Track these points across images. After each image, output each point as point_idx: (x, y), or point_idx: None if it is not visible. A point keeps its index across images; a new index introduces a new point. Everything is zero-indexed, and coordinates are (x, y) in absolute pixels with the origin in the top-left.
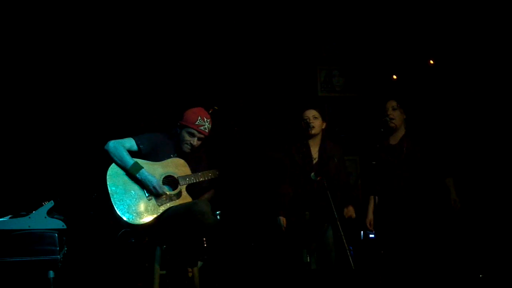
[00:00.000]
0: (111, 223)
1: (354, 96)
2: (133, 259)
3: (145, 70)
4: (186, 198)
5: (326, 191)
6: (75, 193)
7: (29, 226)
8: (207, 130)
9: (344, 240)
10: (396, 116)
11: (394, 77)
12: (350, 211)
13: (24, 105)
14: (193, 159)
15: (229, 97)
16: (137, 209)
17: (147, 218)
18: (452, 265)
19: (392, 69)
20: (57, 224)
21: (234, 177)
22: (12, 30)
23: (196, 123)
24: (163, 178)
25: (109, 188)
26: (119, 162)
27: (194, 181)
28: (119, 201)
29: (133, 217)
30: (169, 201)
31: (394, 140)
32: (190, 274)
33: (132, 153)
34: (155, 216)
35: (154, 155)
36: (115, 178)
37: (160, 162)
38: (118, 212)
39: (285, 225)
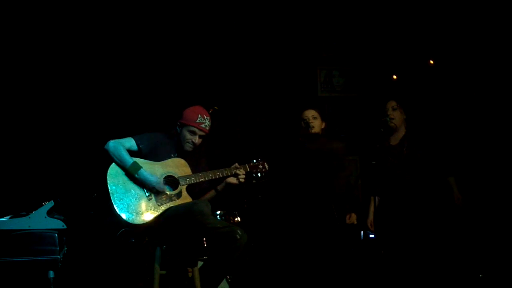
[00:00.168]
0: (111, 222)
1: (354, 96)
2: (133, 259)
3: (145, 71)
4: (186, 198)
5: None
6: (75, 193)
7: (29, 226)
8: (207, 128)
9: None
10: (396, 116)
11: (394, 77)
12: (352, 218)
13: (24, 105)
14: (193, 159)
15: (229, 97)
16: (137, 209)
17: (147, 218)
18: (452, 265)
19: (392, 69)
20: (57, 224)
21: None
22: (12, 30)
23: (197, 121)
24: (164, 178)
25: (109, 188)
26: (118, 161)
27: (195, 181)
28: (119, 201)
29: (133, 217)
30: (169, 201)
31: (394, 140)
32: (190, 274)
33: (132, 153)
34: (155, 215)
35: (154, 155)
36: (115, 177)
37: (160, 162)
38: (118, 212)
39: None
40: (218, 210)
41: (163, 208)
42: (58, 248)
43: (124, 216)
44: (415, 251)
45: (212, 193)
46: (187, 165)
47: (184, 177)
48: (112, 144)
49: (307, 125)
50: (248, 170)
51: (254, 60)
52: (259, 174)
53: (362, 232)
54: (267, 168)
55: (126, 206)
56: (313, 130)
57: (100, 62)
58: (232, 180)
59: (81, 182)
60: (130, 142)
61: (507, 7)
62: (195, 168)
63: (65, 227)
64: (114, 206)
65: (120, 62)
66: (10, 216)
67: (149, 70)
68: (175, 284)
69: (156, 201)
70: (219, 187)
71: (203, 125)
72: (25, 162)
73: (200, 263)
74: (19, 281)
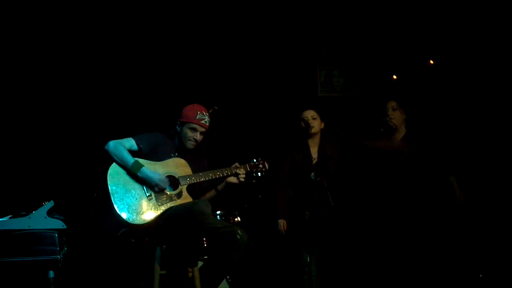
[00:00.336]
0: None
1: (354, 96)
2: (133, 259)
3: (145, 71)
4: (186, 198)
5: (326, 191)
6: (75, 193)
7: (29, 226)
8: (207, 124)
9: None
10: (396, 116)
11: (394, 77)
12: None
13: (24, 105)
14: (194, 159)
15: (229, 97)
16: (138, 209)
17: (148, 218)
18: (453, 265)
19: (392, 69)
20: (57, 224)
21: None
22: (12, 30)
23: (197, 117)
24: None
25: (109, 187)
26: (119, 161)
27: (195, 181)
28: (120, 201)
29: (133, 217)
30: (169, 201)
31: (395, 141)
32: (190, 274)
33: (132, 153)
34: (155, 215)
35: (154, 155)
36: (115, 177)
37: (160, 161)
38: (119, 212)
39: (285, 228)
40: (218, 210)
41: (163, 208)
42: (58, 248)
43: (124, 216)
44: (417, 251)
45: (212, 192)
46: (187, 165)
47: (185, 177)
48: (113, 144)
49: (307, 125)
50: (249, 169)
51: (254, 60)
52: (259, 174)
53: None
54: (267, 167)
55: (127, 206)
56: (313, 130)
57: (100, 63)
58: (233, 179)
59: (81, 182)
60: (130, 142)
61: (507, 7)
62: (195, 168)
63: (65, 227)
64: (115, 206)
65: (120, 63)
66: (10, 216)
67: (149, 70)
68: (175, 284)
69: (157, 201)
70: (219, 187)
71: (203, 121)
72: (25, 162)
73: (200, 263)
74: (19, 281)
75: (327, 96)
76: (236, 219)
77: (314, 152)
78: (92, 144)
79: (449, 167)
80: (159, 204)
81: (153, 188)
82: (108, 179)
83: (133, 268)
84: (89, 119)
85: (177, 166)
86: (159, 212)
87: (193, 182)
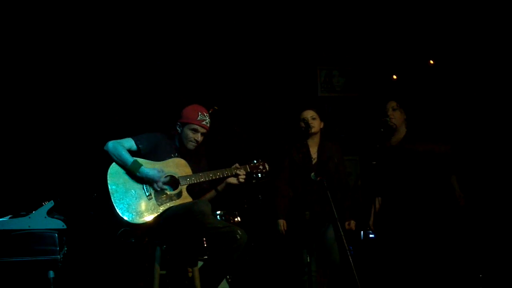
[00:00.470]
0: (111, 222)
1: (354, 96)
2: (133, 259)
3: (145, 71)
4: (186, 198)
5: (326, 191)
6: (75, 193)
7: (29, 226)
8: (208, 125)
9: (344, 240)
10: (396, 116)
11: (394, 77)
12: (351, 225)
13: (24, 105)
14: (194, 159)
15: (229, 97)
16: (137, 209)
17: (147, 218)
18: (453, 265)
19: (392, 69)
20: (57, 224)
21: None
22: (12, 30)
23: (198, 119)
24: (164, 177)
25: (109, 187)
26: (119, 161)
27: (195, 181)
28: (119, 200)
29: (133, 216)
30: (169, 201)
31: (395, 141)
32: (190, 274)
33: (132, 153)
34: (155, 215)
35: (153, 155)
36: (115, 177)
37: (160, 162)
38: (118, 211)
39: (285, 228)
40: (218, 210)
41: (163, 208)
42: (58, 248)
43: (124, 216)
44: (417, 251)
45: (212, 193)
46: (187, 165)
47: (185, 177)
48: (112, 145)
49: (307, 125)
50: (249, 170)
51: (254, 60)
52: (259, 175)
53: (362, 232)
54: (267, 168)
55: (126, 206)
56: (313, 130)
57: (100, 63)
58: (233, 180)
59: (81, 182)
60: (129, 143)
61: (507, 7)
62: (195, 168)
63: (65, 227)
64: (114, 206)
65: (120, 63)
66: (10, 216)
67: (149, 70)
68: (175, 284)
69: (156, 201)
70: (219, 187)
71: (204, 123)
72: (25, 162)
73: (200, 263)
74: (19, 281)
75: (327, 96)
76: (236, 219)
77: (313, 152)
78: (92, 144)
79: (449, 167)
80: (159, 204)
81: (152, 185)
82: (108, 178)
83: (133, 268)
84: (89, 119)
85: (177, 166)
86: (158, 212)
87: (193, 182)
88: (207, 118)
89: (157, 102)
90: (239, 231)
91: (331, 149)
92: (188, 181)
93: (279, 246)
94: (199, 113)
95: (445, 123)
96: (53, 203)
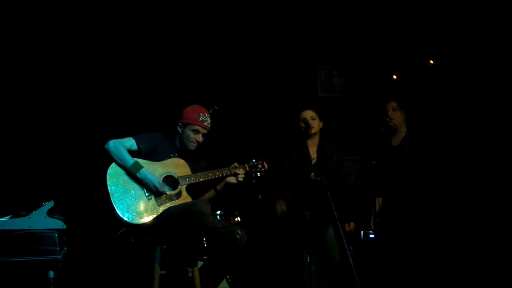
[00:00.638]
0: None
1: (354, 96)
2: (133, 259)
3: (145, 71)
4: (186, 198)
5: (326, 191)
6: (75, 193)
7: (29, 226)
8: (209, 125)
9: (344, 240)
10: (396, 116)
11: (394, 77)
12: (351, 227)
13: (24, 105)
14: (193, 159)
15: (229, 97)
16: (137, 209)
17: (147, 218)
18: (453, 265)
19: (392, 69)
20: (57, 224)
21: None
22: (12, 30)
23: (200, 119)
24: (163, 178)
25: (109, 188)
26: (119, 161)
27: (194, 181)
28: (119, 201)
29: (133, 217)
30: (169, 201)
31: (395, 141)
32: (190, 274)
33: (132, 153)
34: (155, 216)
35: (154, 155)
36: (115, 177)
37: (160, 162)
38: (118, 212)
39: (284, 210)
40: (218, 210)
41: (162, 208)
42: (58, 248)
43: (124, 216)
44: (418, 251)
45: (211, 192)
46: (187, 165)
47: (184, 177)
48: (113, 144)
49: (307, 125)
50: (248, 169)
51: (254, 60)
52: (258, 174)
53: (362, 232)
54: (266, 167)
55: (126, 206)
56: (313, 131)
57: (100, 63)
58: (232, 179)
59: (81, 182)
60: (130, 142)
61: (507, 7)
62: (194, 168)
63: (65, 227)
64: (114, 206)
65: (120, 63)
66: (10, 216)
67: (149, 70)
68: (175, 284)
69: (156, 201)
70: (218, 187)
71: (205, 123)
72: (25, 162)
73: (200, 263)
74: (19, 281)
75: (327, 96)
76: (236, 219)
77: (313, 152)
78: (92, 144)
79: (449, 167)
80: (159, 204)
81: (151, 189)
82: (107, 179)
83: (133, 268)
84: (89, 119)
85: (176, 166)
86: (158, 212)
87: (192, 182)
88: (208, 119)
89: (157, 102)
90: (239, 231)
91: (331, 149)
92: (188, 181)
93: (279, 246)
94: (201, 114)
95: (445, 123)
96: (53, 203)
